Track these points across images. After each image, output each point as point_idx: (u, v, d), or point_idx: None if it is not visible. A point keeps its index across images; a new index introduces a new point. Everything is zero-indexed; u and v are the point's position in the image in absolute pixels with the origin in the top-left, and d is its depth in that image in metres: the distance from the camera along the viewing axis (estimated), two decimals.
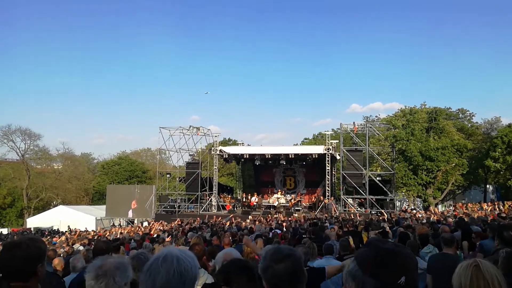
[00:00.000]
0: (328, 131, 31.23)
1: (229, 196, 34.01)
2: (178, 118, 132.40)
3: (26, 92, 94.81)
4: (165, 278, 1.69)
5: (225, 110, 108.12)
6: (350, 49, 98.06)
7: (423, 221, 14.74)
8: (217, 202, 30.54)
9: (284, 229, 13.77)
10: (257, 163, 30.93)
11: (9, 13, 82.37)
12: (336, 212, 25.50)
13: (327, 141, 29.20)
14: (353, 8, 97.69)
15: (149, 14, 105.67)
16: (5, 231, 34.91)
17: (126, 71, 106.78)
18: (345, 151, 28.68)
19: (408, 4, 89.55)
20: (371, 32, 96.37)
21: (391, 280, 1.33)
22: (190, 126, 32.42)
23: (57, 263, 6.45)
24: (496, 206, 23.67)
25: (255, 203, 29.89)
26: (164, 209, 31.27)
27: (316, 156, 29.05)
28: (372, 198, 27.19)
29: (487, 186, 42.24)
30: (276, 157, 30.19)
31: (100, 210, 39.25)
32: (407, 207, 33.09)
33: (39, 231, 31.39)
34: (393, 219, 16.48)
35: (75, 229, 28.55)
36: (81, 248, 11.76)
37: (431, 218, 16.88)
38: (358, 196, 27.94)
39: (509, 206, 23.89)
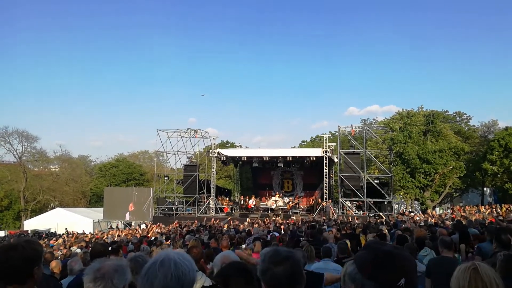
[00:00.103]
0: (326, 133, 31.25)
1: (227, 199, 33.99)
2: (176, 121, 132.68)
3: (23, 94, 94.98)
4: (162, 282, 1.69)
5: (222, 113, 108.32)
6: (347, 52, 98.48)
7: (420, 224, 14.75)
8: (215, 205, 30.53)
9: (282, 231, 13.76)
10: (255, 165, 30.92)
11: (9, 13, 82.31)
12: (334, 215, 25.50)
13: (324, 143, 29.22)
14: (351, 9, 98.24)
15: (149, 14, 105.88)
16: (2, 233, 34.81)
17: (124, 73, 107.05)
18: (342, 153, 28.72)
19: (407, 6, 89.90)
20: (369, 34, 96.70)
21: (390, 282, 1.33)
22: (188, 129, 32.44)
23: (55, 265, 6.43)
24: (494, 209, 23.70)
25: (252, 206, 29.87)
26: (161, 211, 31.24)
27: (314, 158, 29.06)
28: (370, 201, 27.21)
29: (485, 189, 42.31)
30: (274, 160, 30.18)
31: (97, 213, 39.11)
32: (404, 209, 33.10)
33: (36, 234, 31.26)
34: (391, 222, 16.49)
35: (72, 231, 28.44)
36: (79, 250, 11.71)
37: (429, 221, 16.90)
38: (356, 199, 27.97)
39: (507, 209, 23.93)
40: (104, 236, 21.72)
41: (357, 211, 27.53)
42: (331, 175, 32.02)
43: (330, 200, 28.96)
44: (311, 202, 31.14)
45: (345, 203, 27.98)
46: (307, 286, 1.95)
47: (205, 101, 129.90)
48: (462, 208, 29.28)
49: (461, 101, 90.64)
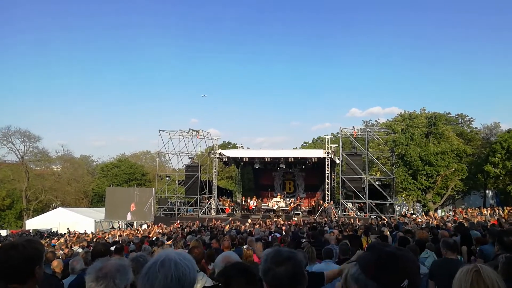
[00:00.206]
0: (327, 135, 31.16)
1: (228, 200, 34.00)
2: (178, 121, 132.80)
3: (25, 93, 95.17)
4: (163, 282, 1.69)
5: (224, 113, 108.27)
6: (349, 53, 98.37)
7: (422, 226, 14.72)
8: (216, 205, 30.52)
9: (284, 232, 13.76)
10: (257, 166, 30.91)
11: (9, 13, 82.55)
12: (335, 216, 25.48)
13: (326, 145, 29.18)
14: (352, 9, 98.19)
15: (149, 14, 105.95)
16: (3, 233, 34.82)
17: (124, 73, 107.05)
18: (344, 155, 28.69)
19: (408, 6, 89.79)
20: (371, 35, 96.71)
21: (393, 283, 1.32)
22: (189, 129, 32.47)
23: (56, 265, 6.43)
24: (496, 211, 23.66)
25: (253, 207, 29.88)
26: (163, 212, 31.27)
27: (316, 160, 29.04)
28: (371, 203, 27.18)
29: (487, 191, 42.22)
30: (275, 161, 30.17)
31: (99, 213, 39.15)
32: (406, 211, 33.05)
33: (38, 233, 31.31)
34: (393, 224, 16.45)
35: (74, 231, 28.49)
36: (80, 250, 11.72)
37: (431, 223, 16.87)
38: (358, 201, 27.94)
39: (509, 211, 23.88)
40: (105, 236, 21.74)
41: (358, 213, 27.49)
42: (333, 176, 32.00)
43: (332, 202, 28.95)
44: (313, 203, 31.12)
45: (347, 204, 27.95)
46: (309, 287, 1.95)
47: (207, 102, 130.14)
48: (464, 210, 29.26)
49: (463, 103, 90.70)
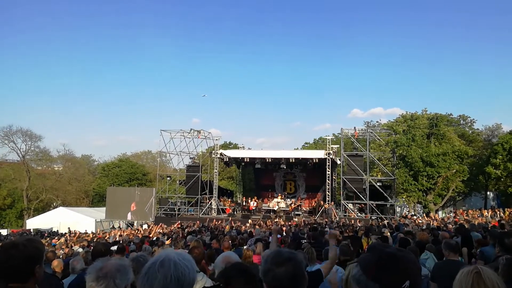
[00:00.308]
0: (329, 135, 31.14)
1: (229, 200, 33.98)
2: (179, 121, 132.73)
3: (27, 93, 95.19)
4: (162, 283, 1.69)
5: (226, 114, 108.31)
6: (350, 53, 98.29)
7: (423, 227, 14.71)
8: (217, 206, 30.51)
9: (284, 233, 13.75)
10: (258, 167, 30.90)
11: (9, 13, 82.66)
12: (336, 217, 25.46)
13: (327, 145, 29.15)
14: (352, 9, 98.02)
15: (148, 15, 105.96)
16: (4, 232, 34.85)
17: (125, 73, 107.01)
18: (345, 156, 28.66)
19: (408, 7, 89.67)
20: (371, 35, 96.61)
21: (394, 284, 1.32)
22: (191, 129, 32.48)
23: (56, 264, 6.43)
24: (497, 213, 23.64)
25: (254, 208, 29.88)
26: (164, 212, 31.28)
27: (317, 160, 29.02)
28: (372, 204, 27.15)
29: (488, 193, 42.18)
30: (276, 161, 30.15)
31: (100, 212, 39.19)
32: (407, 213, 33.02)
33: (39, 233, 31.33)
34: (393, 225, 16.44)
35: (74, 231, 28.51)
36: (81, 250, 11.73)
37: (431, 224, 16.86)
38: (359, 201, 27.91)
39: (510, 213, 23.86)
40: (106, 236, 21.74)
41: (359, 214, 27.47)
42: (334, 177, 31.98)
43: (333, 202, 28.92)
44: (313, 204, 31.09)
45: (348, 205, 27.93)
46: (309, 286, 1.95)
47: (209, 102, 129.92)
48: (465, 211, 29.23)
49: (465, 105, 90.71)
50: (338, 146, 30.08)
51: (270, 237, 11.58)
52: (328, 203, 27.97)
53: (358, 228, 15.76)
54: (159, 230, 21.40)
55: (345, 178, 27.94)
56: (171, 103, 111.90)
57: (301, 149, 55.29)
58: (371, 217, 25.98)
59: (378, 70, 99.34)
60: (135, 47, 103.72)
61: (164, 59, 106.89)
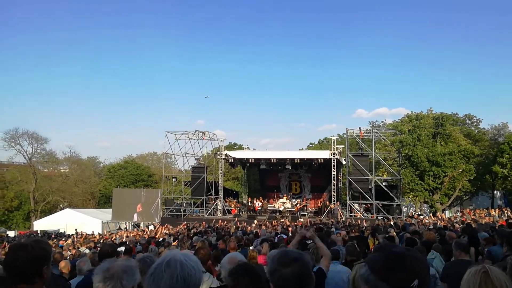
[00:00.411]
0: (334, 136, 31.08)
1: (235, 201, 34.00)
2: (184, 122, 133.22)
3: (32, 95, 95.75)
4: (168, 283, 1.70)
5: (230, 115, 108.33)
6: (350, 53, 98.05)
7: (429, 227, 14.63)
8: (223, 207, 30.54)
9: (290, 233, 13.72)
10: (263, 167, 30.90)
11: (9, 13, 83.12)
12: (342, 217, 25.40)
13: (332, 146, 29.10)
14: (352, 9, 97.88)
15: (148, 15, 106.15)
16: (12, 233, 35.13)
17: (126, 73, 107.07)
18: (351, 156, 28.59)
19: (408, 7, 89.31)
20: (371, 35, 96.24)
21: (402, 284, 1.32)
22: (195, 131, 32.53)
23: (63, 265, 6.47)
24: (505, 212, 23.48)
25: (259, 208, 29.87)
26: (169, 213, 31.34)
27: (322, 161, 28.96)
28: (378, 204, 27.07)
29: (495, 192, 41.92)
30: (281, 162, 30.12)
31: (106, 214, 39.39)
32: (414, 212, 32.88)
33: (46, 234, 31.52)
34: (400, 225, 16.37)
35: (81, 232, 28.64)
36: (87, 251, 11.78)
37: (438, 224, 16.77)
38: (364, 202, 27.83)
39: None
40: (112, 237, 21.83)
41: (365, 214, 27.38)
42: (339, 177, 31.91)
43: (338, 203, 28.84)
44: (319, 204, 31.04)
45: (353, 205, 27.85)
46: (315, 285, 1.95)
47: (213, 103, 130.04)
48: (472, 211, 29.06)
49: (470, 104, 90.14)
50: (343, 146, 29.99)
51: (276, 238, 11.59)
52: (333, 203, 27.90)
53: (364, 228, 15.70)
54: (165, 231, 21.45)
55: (350, 178, 27.88)
56: (175, 104, 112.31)
57: (306, 149, 55.16)
58: (377, 217, 25.88)
59: (379, 70, 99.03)
60: (135, 47, 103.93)
61: (164, 59, 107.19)
